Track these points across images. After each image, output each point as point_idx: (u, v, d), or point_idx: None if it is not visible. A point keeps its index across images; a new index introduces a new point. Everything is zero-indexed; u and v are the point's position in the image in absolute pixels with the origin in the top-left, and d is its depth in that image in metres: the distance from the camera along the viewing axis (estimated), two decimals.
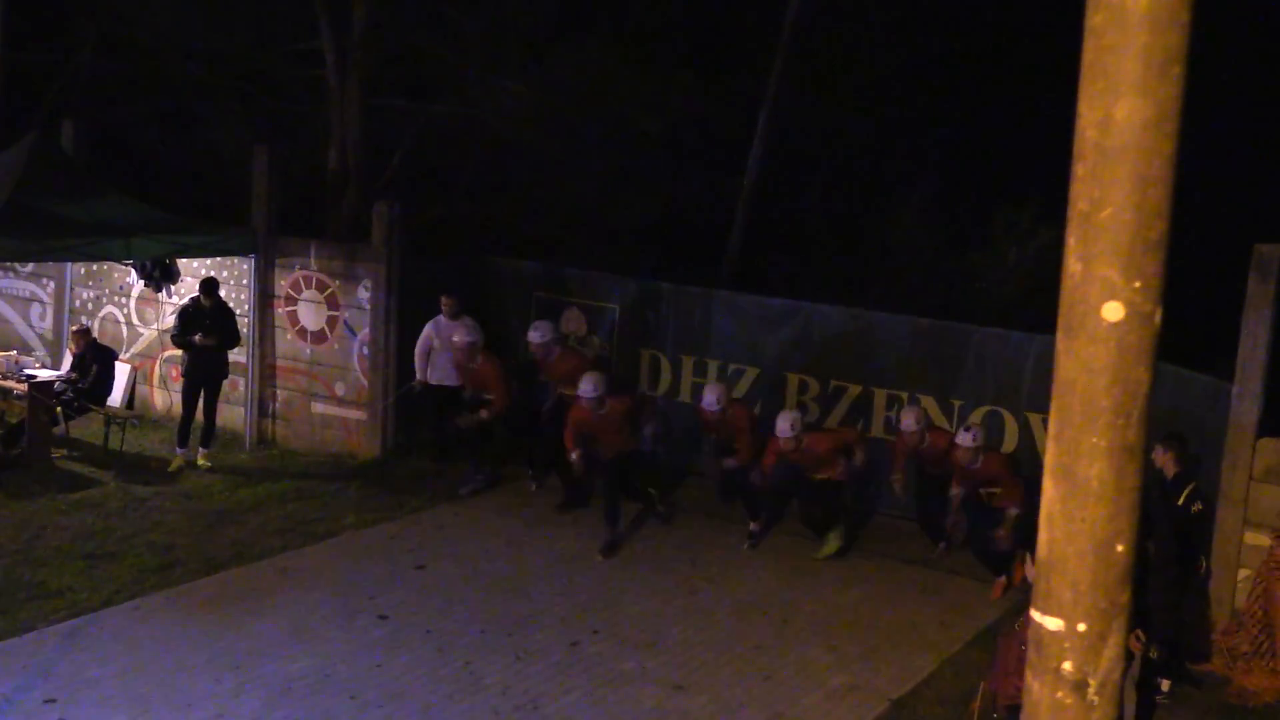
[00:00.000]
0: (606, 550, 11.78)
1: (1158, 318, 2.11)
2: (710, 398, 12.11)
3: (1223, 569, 9.99)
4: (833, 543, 11.97)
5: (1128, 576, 2.24)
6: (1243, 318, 9.87)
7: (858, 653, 9.96)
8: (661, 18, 18.74)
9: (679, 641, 10.02)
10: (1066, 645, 2.21)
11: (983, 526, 11.38)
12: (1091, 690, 2.23)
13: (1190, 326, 8.43)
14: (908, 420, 11.91)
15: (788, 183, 18.98)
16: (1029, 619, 2.31)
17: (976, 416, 12.53)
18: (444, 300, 13.47)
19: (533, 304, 14.77)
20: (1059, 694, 2.23)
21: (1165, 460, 9.61)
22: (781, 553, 12.00)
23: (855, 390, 13.13)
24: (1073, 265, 2.12)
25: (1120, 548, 2.21)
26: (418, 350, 13.60)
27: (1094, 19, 2.04)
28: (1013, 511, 11.05)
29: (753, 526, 12.37)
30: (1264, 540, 9.66)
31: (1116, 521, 2.19)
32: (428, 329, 13.56)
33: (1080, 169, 2.10)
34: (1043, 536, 2.25)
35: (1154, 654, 8.21)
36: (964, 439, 11.37)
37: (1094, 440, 2.16)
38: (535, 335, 12.94)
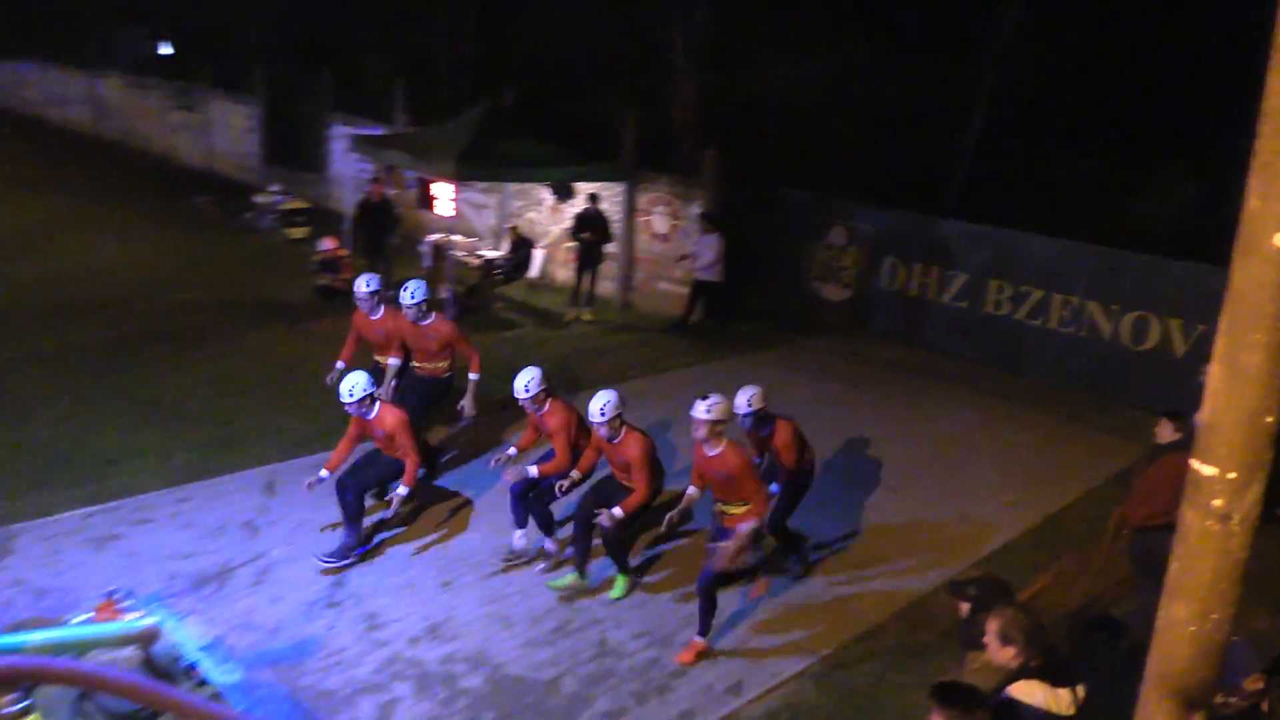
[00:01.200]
0: None
1: None
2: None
3: None
4: (619, 587, 7.07)
5: (1271, 441, 2.03)
6: None
7: (1023, 480, 9.52)
8: (901, 13, 18.01)
9: (895, 457, 9.80)
10: (1218, 487, 2.03)
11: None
12: (1234, 522, 2.04)
13: None
14: (739, 399, 7.00)
15: (994, 138, 17.85)
16: (1167, 464, 2.11)
17: (1129, 319, 11.64)
18: (702, 220, 13.38)
19: (811, 224, 14.44)
20: (1208, 523, 2.06)
21: None
22: (971, 404, 11.52)
23: (1038, 294, 12.36)
24: (1253, 202, 1.93)
25: (1269, 419, 2.01)
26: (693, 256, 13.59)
27: None
28: (747, 527, 6.28)
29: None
30: None
31: (1267, 399, 2.01)
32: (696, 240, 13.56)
33: (1266, 128, 1.90)
34: (1207, 405, 2.07)
35: None
36: (697, 409, 6.32)
37: (1255, 337, 1.97)
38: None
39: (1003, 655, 4.23)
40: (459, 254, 14.09)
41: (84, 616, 5.51)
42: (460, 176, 12.87)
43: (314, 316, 13.06)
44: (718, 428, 6.29)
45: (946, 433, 10.62)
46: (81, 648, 4.89)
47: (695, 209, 13.86)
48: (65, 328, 11.79)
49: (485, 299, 14.10)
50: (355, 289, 8.34)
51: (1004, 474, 9.61)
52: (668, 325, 13.45)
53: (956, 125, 17.91)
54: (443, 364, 8.41)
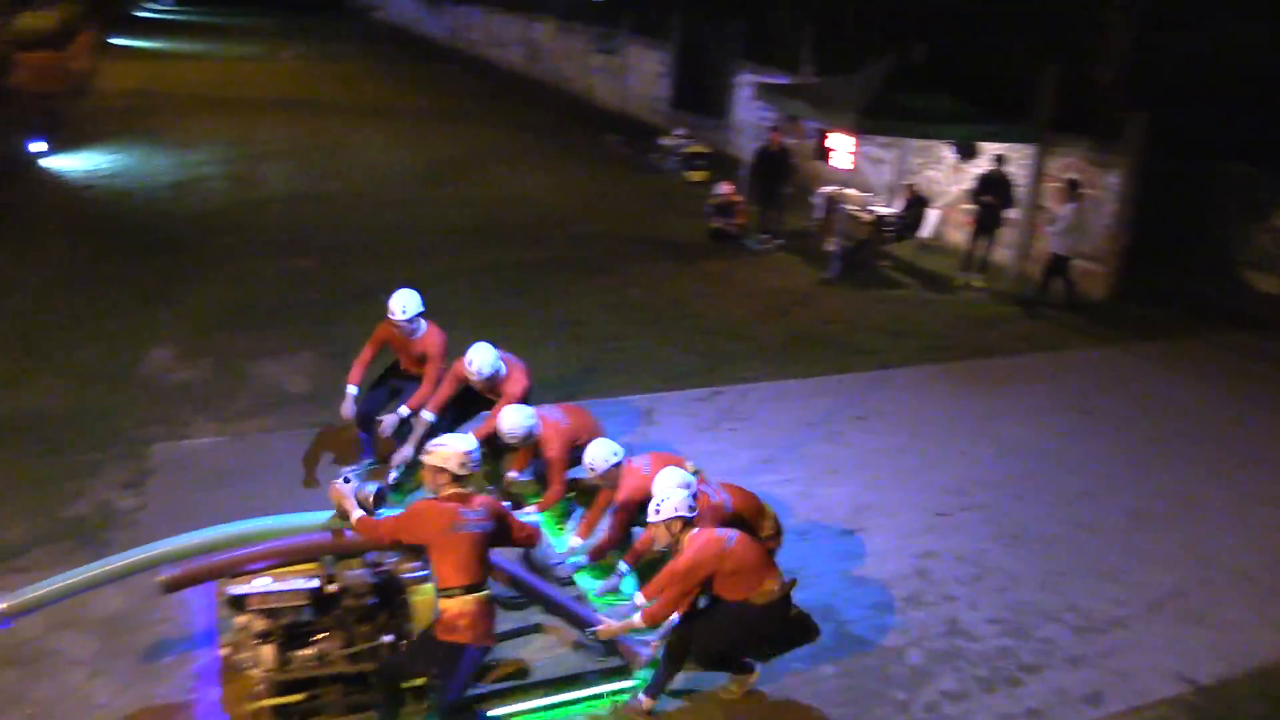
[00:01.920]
0: None
1: None
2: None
3: None
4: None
5: None
6: None
7: None
8: None
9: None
10: None
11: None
12: None
13: None
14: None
15: None
16: None
17: None
18: (1067, 185, 12.25)
19: (1252, 203, 12.76)
20: None
21: None
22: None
23: None
24: None
25: None
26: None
27: None
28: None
29: None
30: None
31: None
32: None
33: None
34: None
35: None
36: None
37: None
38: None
39: None
40: (851, 208, 13.93)
41: None
42: (861, 129, 12.70)
43: (705, 257, 13.53)
44: (440, 478, 4.84)
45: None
46: None
47: (1113, 178, 12.70)
48: (488, 248, 13.12)
49: (872, 256, 13.86)
50: (391, 315, 7.03)
51: None
52: (1061, 300, 12.52)
53: None
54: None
